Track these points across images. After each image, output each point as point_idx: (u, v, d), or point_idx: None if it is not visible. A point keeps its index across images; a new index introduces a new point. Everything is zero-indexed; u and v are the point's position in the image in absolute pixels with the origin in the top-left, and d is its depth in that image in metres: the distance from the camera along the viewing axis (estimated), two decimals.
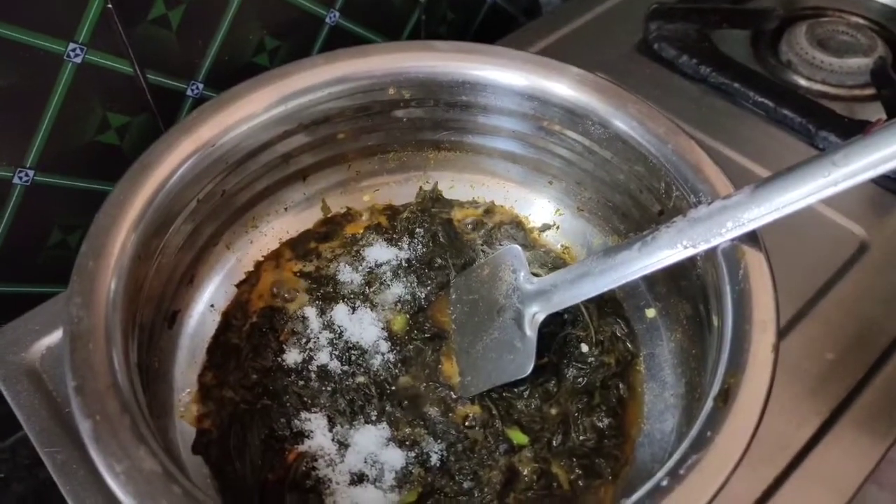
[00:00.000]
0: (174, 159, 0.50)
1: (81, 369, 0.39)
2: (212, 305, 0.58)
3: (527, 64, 0.56)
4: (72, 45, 0.57)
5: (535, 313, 0.53)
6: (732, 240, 0.45)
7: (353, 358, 0.56)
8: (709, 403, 0.40)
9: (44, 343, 0.55)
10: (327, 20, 0.73)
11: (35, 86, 0.57)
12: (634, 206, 0.57)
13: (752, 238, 0.46)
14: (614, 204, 0.60)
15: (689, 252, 0.45)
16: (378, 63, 0.56)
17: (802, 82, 0.83)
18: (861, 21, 0.90)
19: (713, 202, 0.46)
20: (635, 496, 0.37)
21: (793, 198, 0.42)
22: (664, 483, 0.37)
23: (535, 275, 0.55)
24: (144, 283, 0.47)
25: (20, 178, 0.60)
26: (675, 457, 0.38)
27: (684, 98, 0.80)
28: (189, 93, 0.68)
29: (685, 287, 0.53)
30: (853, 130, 0.74)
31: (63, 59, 0.57)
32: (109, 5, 0.58)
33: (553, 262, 0.62)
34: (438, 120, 0.62)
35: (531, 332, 0.53)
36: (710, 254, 0.47)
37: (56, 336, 0.56)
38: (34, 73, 0.56)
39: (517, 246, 0.56)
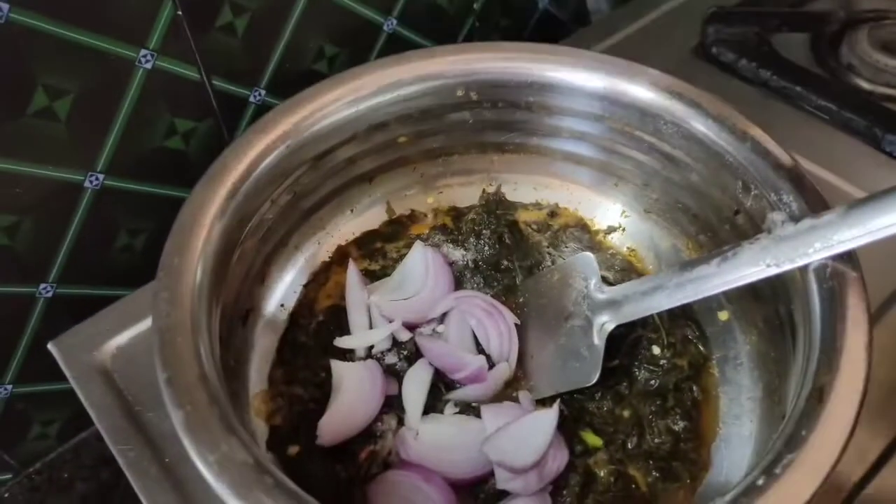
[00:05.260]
0: (251, 158, 0.50)
1: (171, 362, 0.40)
2: (282, 305, 0.58)
3: (603, 65, 0.55)
4: (143, 52, 0.58)
5: (604, 323, 0.52)
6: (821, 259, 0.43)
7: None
8: (802, 401, 0.39)
9: (114, 343, 0.56)
10: (385, 27, 0.74)
11: (108, 91, 0.59)
12: (706, 206, 0.57)
13: (845, 257, 0.43)
14: (684, 205, 0.59)
15: (773, 271, 0.43)
16: (449, 64, 0.57)
17: (865, 85, 0.81)
18: None
19: (801, 220, 0.43)
20: (729, 495, 0.36)
21: (889, 221, 0.39)
22: (760, 482, 0.36)
23: (605, 278, 0.54)
24: (224, 279, 0.48)
25: (91, 181, 0.61)
26: (770, 455, 0.37)
27: (744, 102, 0.76)
28: (252, 99, 0.69)
29: (762, 290, 0.52)
30: None
31: (135, 65, 0.58)
32: (180, 12, 0.59)
33: (620, 265, 0.62)
34: (504, 122, 0.62)
35: (599, 341, 0.52)
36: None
37: (126, 336, 0.56)
38: (107, 79, 0.58)
39: (590, 254, 0.55)
